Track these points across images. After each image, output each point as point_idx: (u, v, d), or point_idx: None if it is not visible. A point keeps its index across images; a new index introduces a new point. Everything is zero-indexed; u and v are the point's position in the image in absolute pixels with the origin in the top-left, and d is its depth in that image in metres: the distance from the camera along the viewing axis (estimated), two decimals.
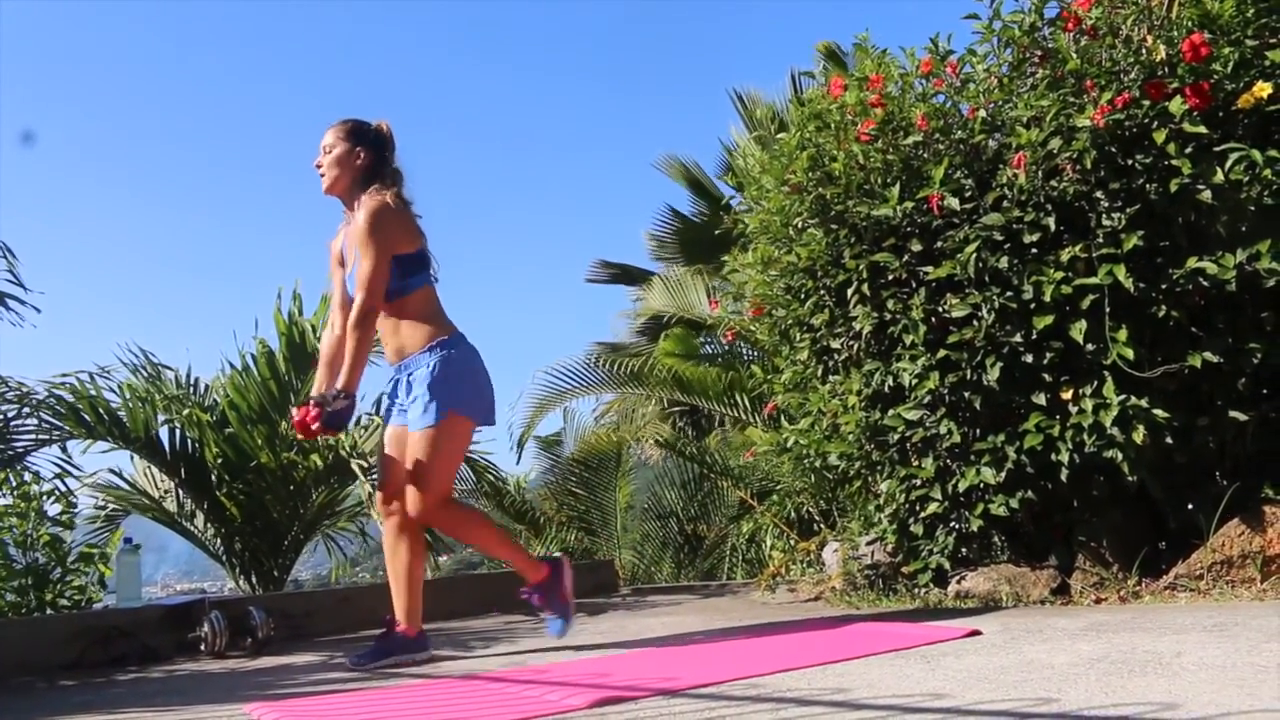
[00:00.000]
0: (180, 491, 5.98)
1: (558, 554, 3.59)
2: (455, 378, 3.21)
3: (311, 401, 3.14)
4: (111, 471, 6.03)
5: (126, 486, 6.07)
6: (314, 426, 3.10)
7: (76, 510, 5.46)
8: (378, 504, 3.38)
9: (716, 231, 9.08)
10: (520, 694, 2.42)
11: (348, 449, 5.56)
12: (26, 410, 5.11)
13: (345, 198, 3.35)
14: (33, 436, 5.19)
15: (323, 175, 3.35)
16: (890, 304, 3.80)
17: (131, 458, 5.96)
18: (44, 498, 5.18)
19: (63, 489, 5.24)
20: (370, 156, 3.34)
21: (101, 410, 5.38)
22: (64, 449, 5.29)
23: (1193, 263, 3.27)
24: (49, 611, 4.98)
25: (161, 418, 5.72)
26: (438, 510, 3.22)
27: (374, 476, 5.51)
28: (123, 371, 5.74)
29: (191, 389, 6.12)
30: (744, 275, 4.57)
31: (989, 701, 1.92)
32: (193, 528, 6.08)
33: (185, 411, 5.73)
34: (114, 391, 5.54)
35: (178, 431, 5.76)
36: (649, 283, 10.37)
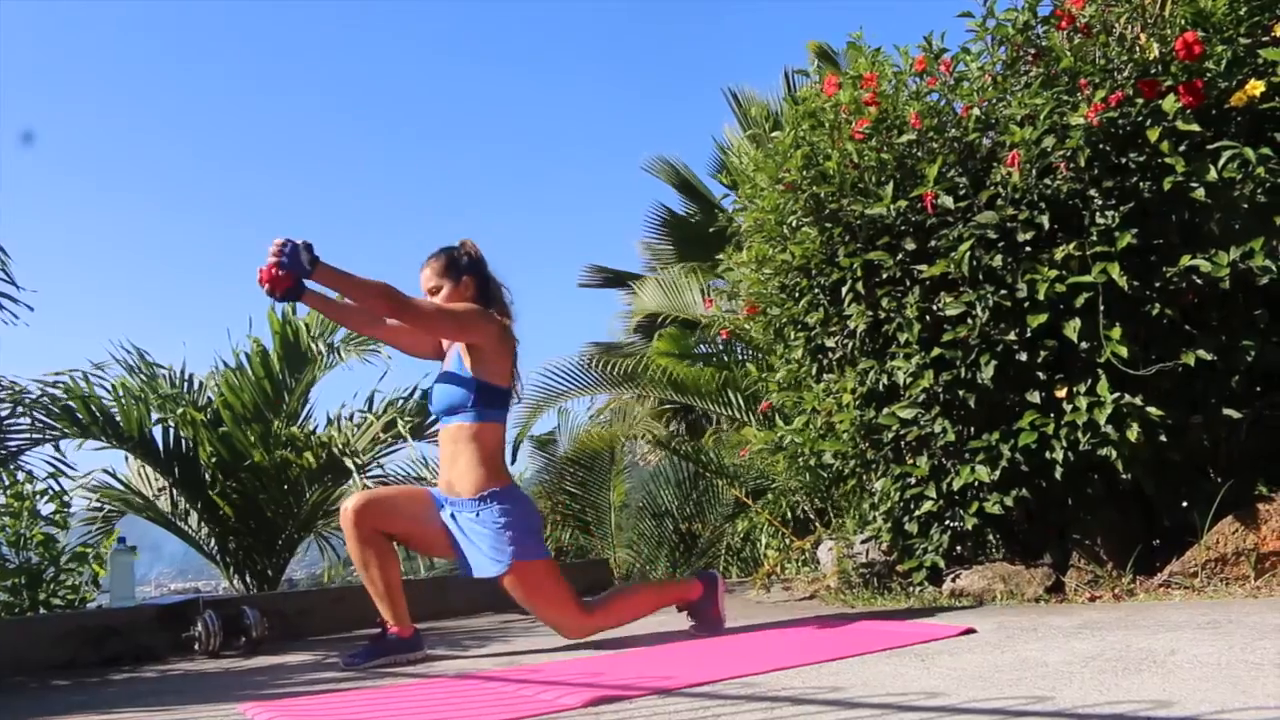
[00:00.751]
0: (174, 491, 5.97)
1: (712, 571, 3.59)
2: (513, 530, 3.18)
3: (302, 242, 2.96)
4: (105, 471, 6.02)
5: (120, 486, 6.06)
6: (270, 256, 2.93)
7: (70, 510, 5.44)
8: (349, 508, 3.22)
9: (710, 230, 9.08)
10: (514, 693, 2.41)
11: (340, 446, 5.55)
12: (20, 409, 5.10)
13: None
14: (26, 435, 5.18)
15: None
16: (884, 302, 3.80)
17: (125, 457, 5.95)
18: (37, 497, 5.17)
19: (56, 488, 5.23)
20: (474, 281, 3.35)
21: (95, 409, 5.37)
22: (58, 448, 5.29)
23: (1186, 260, 3.27)
24: (42, 611, 4.97)
25: (155, 416, 5.72)
26: (592, 626, 3.32)
27: (367, 474, 5.52)
28: (117, 370, 5.74)
29: (185, 387, 6.11)
30: (739, 274, 4.57)
31: (984, 700, 1.92)
32: (187, 527, 6.08)
33: (179, 410, 5.72)
34: (107, 390, 5.53)
35: (172, 430, 5.75)
36: (642, 282, 10.35)
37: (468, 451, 3.22)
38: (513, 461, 9.77)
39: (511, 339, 3.34)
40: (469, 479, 3.21)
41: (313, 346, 5.99)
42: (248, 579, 5.98)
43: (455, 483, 3.23)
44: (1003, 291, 3.49)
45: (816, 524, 5.73)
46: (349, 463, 5.53)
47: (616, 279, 11.45)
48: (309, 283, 3.08)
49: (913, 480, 3.89)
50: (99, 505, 6.00)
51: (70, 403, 5.27)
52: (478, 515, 3.19)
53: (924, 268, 3.67)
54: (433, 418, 6.07)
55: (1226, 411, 3.37)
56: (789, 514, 6.27)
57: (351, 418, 6.15)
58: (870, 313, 3.85)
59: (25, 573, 5.03)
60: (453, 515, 3.25)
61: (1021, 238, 3.49)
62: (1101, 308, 3.32)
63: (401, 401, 6.16)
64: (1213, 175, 3.20)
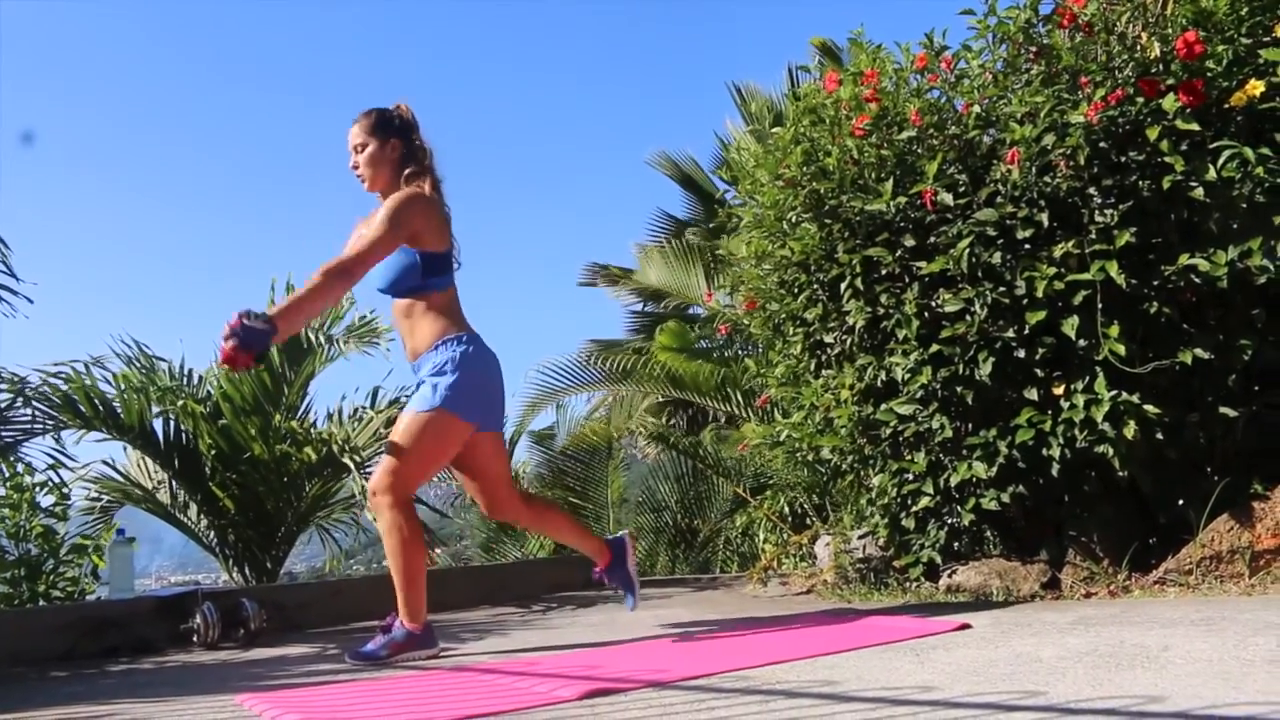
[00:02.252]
0: (174, 483, 5.97)
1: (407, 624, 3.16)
2: (457, 375, 3.16)
3: (236, 314, 2.86)
4: (105, 463, 6.02)
5: (120, 477, 6.06)
6: (224, 341, 2.82)
7: (70, 502, 5.44)
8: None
9: (710, 225, 9.07)
10: (511, 685, 2.42)
11: (340, 443, 5.56)
12: (20, 400, 5.10)
13: (388, 191, 3.31)
14: (26, 426, 5.18)
15: (361, 177, 3.32)
16: (883, 299, 3.80)
17: (125, 448, 5.96)
18: (37, 489, 5.17)
19: (56, 480, 5.24)
20: (402, 144, 3.33)
21: (97, 400, 5.38)
22: (58, 439, 5.29)
23: (1184, 259, 3.28)
24: (41, 603, 4.98)
25: (155, 409, 5.72)
26: (396, 502, 3.12)
27: (368, 471, 5.52)
28: (116, 363, 5.74)
29: (185, 380, 6.11)
30: (740, 268, 4.58)
31: (977, 694, 1.93)
32: (186, 519, 6.08)
33: (179, 403, 5.73)
34: (108, 382, 5.54)
35: (172, 422, 5.75)
36: (647, 256, 10.22)
37: (425, 318, 3.24)
38: (510, 456, 9.78)
39: (441, 206, 3.31)
40: (429, 334, 3.22)
41: (312, 339, 5.99)
42: (247, 572, 5.98)
43: (419, 345, 3.25)
44: (1001, 289, 3.50)
45: (814, 519, 5.74)
46: (348, 460, 5.53)
47: (618, 277, 11.39)
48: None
49: (910, 476, 3.89)
50: (98, 496, 6.00)
51: (72, 394, 5.27)
52: (435, 362, 3.18)
53: (923, 264, 3.67)
54: None
55: (1223, 410, 3.38)
56: (787, 510, 6.28)
57: (355, 413, 6.15)
58: (869, 309, 3.85)
59: (25, 564, 5.04)
60: (420, 382, 3.24)
61: (1021, 235, 3.50)
62: (1100, 305, 3.33)
63: (406, 399, 6.15)
64: (1212, 175, 3.21)
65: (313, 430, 5.81)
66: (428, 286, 3.22)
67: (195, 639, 3.85)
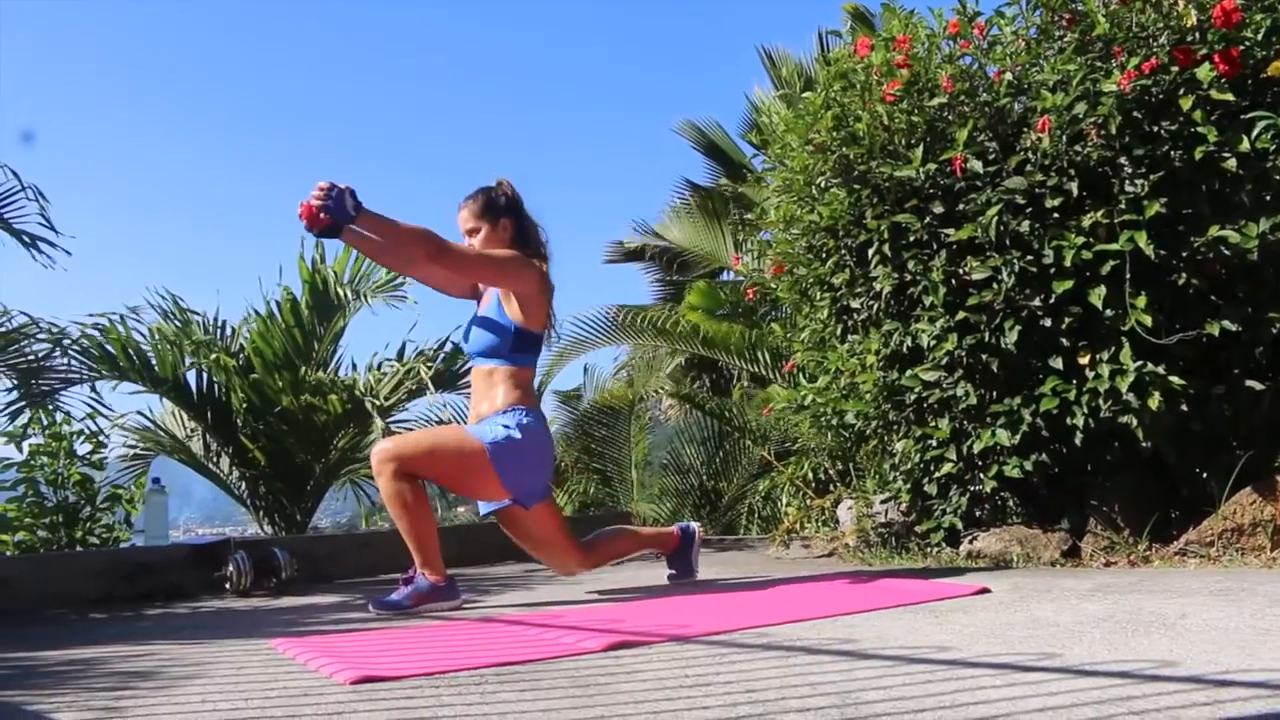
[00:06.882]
0: (206, 435, 6.07)
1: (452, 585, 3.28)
2: (514, 436, 3.21)
3: (346, 186, 3.04)
4: (140, 414, 6.13)
5: (154, 427, 6.17)
6: (315, 200, 3.01)
7: (107, 450, 5.55)
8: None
9: (740, 189, 9.03)
10: (537, 636, 2.48)
11: (362, 389, 5.63)
12: (58, 350, 5.20)
13: None
14: (63, 376, 5.28)
15: None
16: (911, 265, 3.81)
17: (160, 400, 6.05)
18: (74, 437, 5.28)
19: (92, 429, 5.35)
20: (512, 224, 3.39)
21: (133, 352, 5.47)
22: (94, 389, 5.39)
23: (1215, 231, 3.27)
24: (79, 549, 5.10)
25: (189, 361, 5.80)
26: (396, 473, 3.14)
27: (392, 419, 5.60)
28: (152, 315, 5.82)
29: (219, 333, 6.19)
30: (768, 233, 4.59)
31: (993, 655, 1.96)
32: (218, 470, 6.19)
33: (213, 356, 5.81)
34: (143, 335, 5.63)
35: (205, 375, 5.84)
36: (672, 218, 10.17)
37: (503, 387, 3.28)
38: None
39: (549, 284, 3.38)
40: (503, 404, 3.26)
41: (341, 294, 6.04)
42: (276, 523, 6.09)
43: (486, 412, 3.29)
44: (1029, 257, 3.50)
45: (838, 484, 5.77)
46: (369, 403, 5.58)
47: (640, 254, 11.32)
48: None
49: (934, 442, 3.92)
50: (133, 444, 6.11)
51: (108, 345, 5.36)
52: (501, 420, 3.22)
53: (951, 231, 3.68)
54: (458, 365, 6.14)
55: (1249, 383, 3.39)
56: (811, 474, 6.32)
57: (380, 367, 6.22)
58: (896, 275, 3.87)
59: (62, 510, 5.17)
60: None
61: (1049, 204, 3.50)
62: (1128, 276, 3.33)
63: (433, 350, 6.20)
64: (1245, 146, 3.19)
65: (337, 380, 5.87)
66: (514, 360, 3.30)
67: (228, 586, 3.95)
